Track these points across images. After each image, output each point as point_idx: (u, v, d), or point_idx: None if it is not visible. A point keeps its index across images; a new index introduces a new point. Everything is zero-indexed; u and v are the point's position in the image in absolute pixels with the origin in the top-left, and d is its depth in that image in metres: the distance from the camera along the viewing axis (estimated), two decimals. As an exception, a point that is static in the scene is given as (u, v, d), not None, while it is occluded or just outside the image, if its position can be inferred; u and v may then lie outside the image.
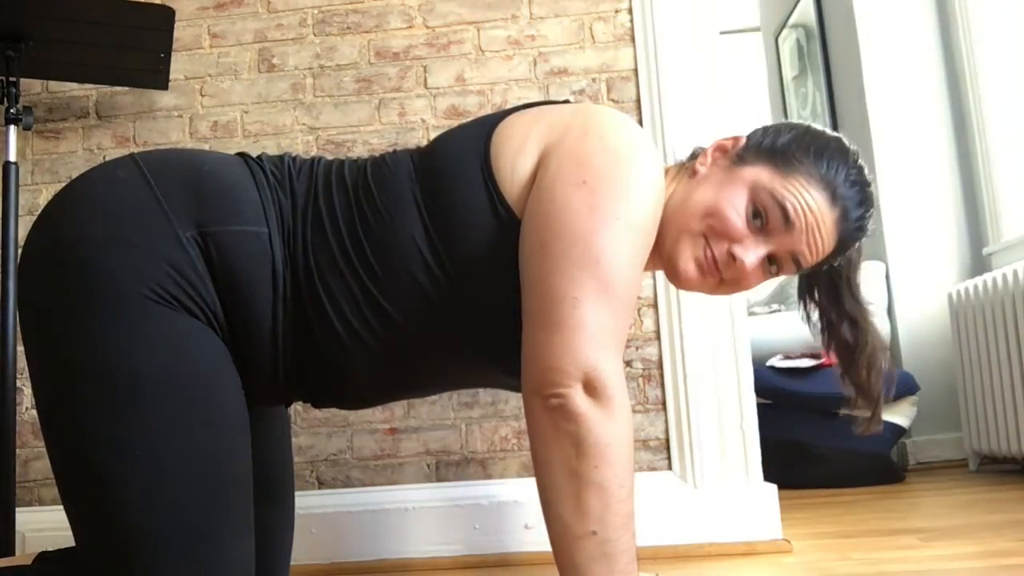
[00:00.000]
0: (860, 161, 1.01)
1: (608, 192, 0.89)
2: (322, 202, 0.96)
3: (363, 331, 0.94)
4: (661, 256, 1.01)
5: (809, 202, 0.96)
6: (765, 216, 0.96)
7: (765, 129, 1.04)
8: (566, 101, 1.04)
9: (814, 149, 0.99)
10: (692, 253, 0.98)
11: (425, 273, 0.93)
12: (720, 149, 1.03)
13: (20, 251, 1.56)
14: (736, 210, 0.96)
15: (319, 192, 0.97)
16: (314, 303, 0.93)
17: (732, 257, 0.97)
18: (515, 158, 0.94)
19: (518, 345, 0.92)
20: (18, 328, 1.60)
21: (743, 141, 1.02)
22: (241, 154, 1.01)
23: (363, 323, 0.94)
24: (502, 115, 1.00)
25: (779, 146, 1.00)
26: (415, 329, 0.95)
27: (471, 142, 0.97)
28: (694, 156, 1.06)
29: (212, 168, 0.95)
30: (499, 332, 0.95)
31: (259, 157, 1.00)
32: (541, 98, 1.77)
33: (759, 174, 0.98)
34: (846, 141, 1.03)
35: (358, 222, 0.94)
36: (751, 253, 0.97)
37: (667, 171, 1.06)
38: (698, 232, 0.98)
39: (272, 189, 0.96)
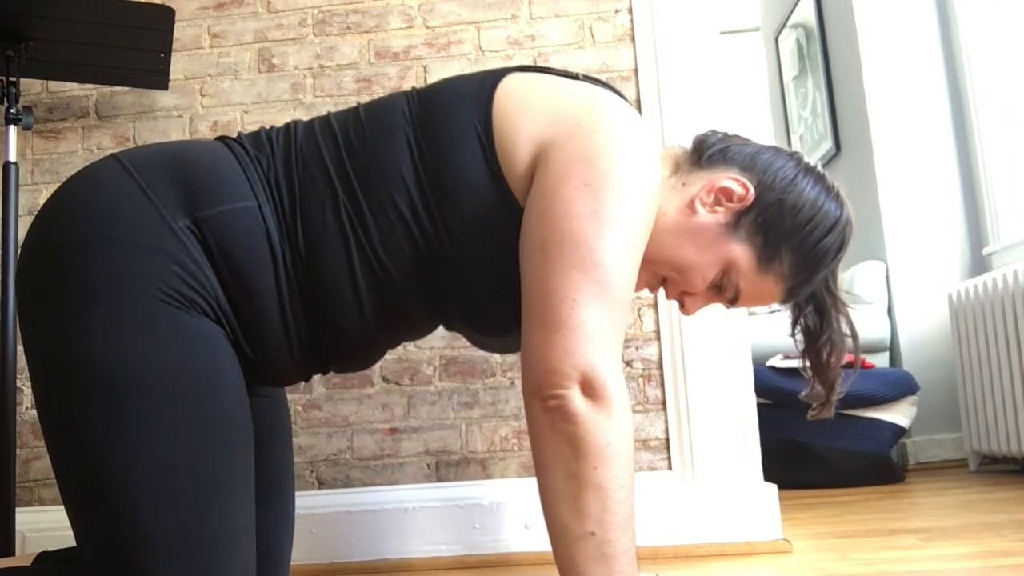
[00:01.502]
0: (840, 259, 1.03)
1: (611, 196, 0.89)
2: (305, 151, 0.96)
3: (361, 276, 0.94)
4: None
5: (764, 295, 1.03)
6: (723, 289, 1.02)
7: (783, 189, 0.99)
8: (576, 77, 1.02)
9: (804, 254, 1.00)
10: (646, 282, 1.05)
11: (410, 209, 0.93)
12: (726, 194, 0.98)
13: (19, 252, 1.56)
14: (704, 280, 1.01)
15: (302, 144, 0.97)
16: (311, 258, 0.93)
17: (681, 302, 1.05)
18: (516, 136, 0.93)
19: (496, 304, 0.94)
20: (18, 328, 1.61)
21: (750, 197, 0.98)
22: (220, 137, 1.02)
23: (361, 268, 0.94)
24: (503, 73, 0.99)
25: (776, 234, 0.99)
26: (404, 269, 0.95)
27: (472, 103, 0.96)
28: (698, 148, 1.04)
29: (193, 155, 0.96)
30: (479, 292, 0.96)
31: (237, 136, 1.01)
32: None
33: (740, 257, 0.99)
34: (841, 235, 1.01)
35: (345, 154, 0.95)
36: (698, 305, 1.05)
37: (665, 155, 1.05)
38: (661, 274, 1.03)
39: (253, 160, 0.96)
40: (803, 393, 1.09)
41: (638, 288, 1.04)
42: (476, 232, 0.94)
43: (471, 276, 0.96)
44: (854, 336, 1.06)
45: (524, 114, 0.94)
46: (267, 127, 1.02)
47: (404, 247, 0.94)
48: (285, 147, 0.97)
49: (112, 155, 0.96)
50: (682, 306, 1.05)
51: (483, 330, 1.02)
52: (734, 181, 0.98)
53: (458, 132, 0.94)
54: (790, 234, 0.99)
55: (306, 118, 1.77)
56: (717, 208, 0.99)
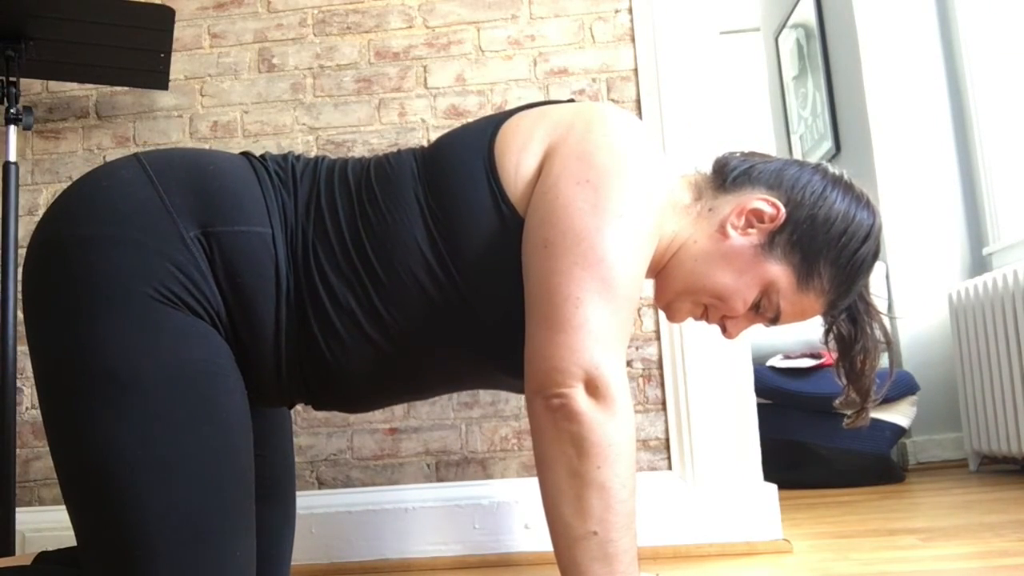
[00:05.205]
0: (875, 264, 1.03)
1: (611, 190, 0.89)
2: (324, 202, 0.96)
3: (368, 332, 0.94)
4: (660, 292, 1.06)
5: (806, 312, 1.02)
6: (763, 309, 1.02)
7: (813, 204, 0.99)
8: (570, 100, 1.03)
9: (842, 266, 0.99)
10: (690, 312, 1.05)
11: (427, 273, 0.93)
12: (757, 216, 0.98)
13: (21, 251, 1.57)
14: (745, 303, 1.01)
15: (322, 192, 0.96)
16: (316, 305, 0.93)
17: (723, 326, 1.05)
18: (519, 156, 0.94)
19: (521, 346, 0.92)
20: (18, 328, 1.61)
21: (781, 216, 0.98)
22: (245, 154, 1.01)
23: (368, 324, 0.93)
24: (506, 115, 1.00)
25: (812, 250, 0.98)
26: (418, 331, 0.94)
27: (475, 142, 0.97)
28: (719, 172, 1.03)
29: (217, 168, 0.95)
30: (502, 333, 0.95)
31: (263, 156, 1.00)
32: (541, 98, 1.77)
33: (779, 277, 0.99)
34: (876, 241, 1.01)
35: (360, 222, 0.94)
36: (740, 328, 1.05)
37: (684, 182, 1.05)
38: (702, 302, 1.03)
39: (276, 189, 0.96)
40: (837, 401, 1.08)
41: (681, 318, 1.06)
42: (492, 267, 0.93)
43: (495, 315, 0.94)
44: (888, 342, 1.05)
45: (523, 136, 0.95)
46: (296, 154, 1.02)
47: (419, 304, 0.93)
48: (308, 190, 0.96)
49: (135, 155, 0.96)
50: (724, 330, 1.05)
51: (518, 372, 0.97)
52: (763, 201, 0.98)
53: (464, 173, 0.94)
54: (826, 248, 0.98)
55: (307, 120, 1.79)
56: (749, 230, 0.99)
